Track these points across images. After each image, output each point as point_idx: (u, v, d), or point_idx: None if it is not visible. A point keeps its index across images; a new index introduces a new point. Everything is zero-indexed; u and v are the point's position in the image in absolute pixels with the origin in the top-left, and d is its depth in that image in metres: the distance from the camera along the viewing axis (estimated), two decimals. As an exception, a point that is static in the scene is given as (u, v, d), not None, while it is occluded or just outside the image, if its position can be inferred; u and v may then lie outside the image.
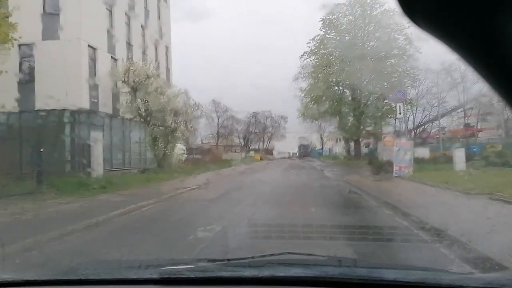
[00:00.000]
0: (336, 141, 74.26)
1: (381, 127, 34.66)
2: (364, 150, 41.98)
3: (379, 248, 5.63)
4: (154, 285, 1.87)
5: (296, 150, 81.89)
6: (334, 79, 34.83)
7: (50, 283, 1.95)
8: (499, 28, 0.60)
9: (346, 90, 35.66)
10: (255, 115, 78.38)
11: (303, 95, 36.76)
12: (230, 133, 77.60)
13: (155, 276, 1.90)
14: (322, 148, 70.73)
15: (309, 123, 53.53)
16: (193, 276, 1.92)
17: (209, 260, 2.28)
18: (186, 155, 45.14)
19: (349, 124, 35.34)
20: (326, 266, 2.10)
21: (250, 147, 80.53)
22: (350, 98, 35.09)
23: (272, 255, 2.26)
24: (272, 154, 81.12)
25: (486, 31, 0.60)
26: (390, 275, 1.90)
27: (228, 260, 2.22)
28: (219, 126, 76.18)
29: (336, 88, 35.84)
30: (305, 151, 76.37)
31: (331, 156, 57.28)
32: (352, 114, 34.88)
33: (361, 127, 34.65)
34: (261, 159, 66.63)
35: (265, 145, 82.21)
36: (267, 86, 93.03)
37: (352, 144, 38.84)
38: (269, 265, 2.01)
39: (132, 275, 2.00)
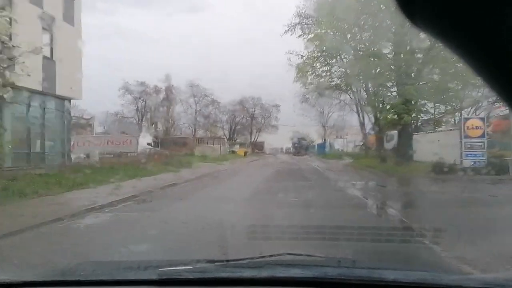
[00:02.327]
0: (337, 136, 57.29)
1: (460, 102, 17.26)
2: (387, 144, 24.82)
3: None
4: (153, 286, 1.76)
5: (290, 145, 64.72)
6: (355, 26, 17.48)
7: (49, 284, 1.85)
8: (499, 27, 0.56)
9: (382, 41, 18.21)
10: (242, 102, 61.33)
11: (305, 42, 19.24)
12: (213, 123, 61.08)
13: (153, 277, 1.78)
14: (324, 143, 52.99)
15: (310, 104, 36.19)
16: (191, 277, 1.81)
17: (208, 261, 2.07)
18: (152, 148, 34.87)
19: (389, 96, 18.08)
20: (325, 266, 1.98)
21: (236, 140, 63.63)
22: (392, 53, 17.68)
23: (271, 256, 2.07)
24: (261, 149, 64.04)
25: (486, 30, 0.57)
26: (389, 275, 1.78)
27: (227, 261, 2.07)
28: (197, 113, 59.55)
29: (362, 36, 18.47)
30: (300, 147, 59.07)
31: (339, 154, 39.56)
32: (395, 80, 17.64)
33: (417, 102, 17.28)
34: (245, 155, 49.61)
35: (253, 138, 65.07)
36: (258, 74, 75.14)
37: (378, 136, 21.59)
38: (268, 265, 1.89)
39: (131, 276, 1.90)
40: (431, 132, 21.86)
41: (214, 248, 4.22)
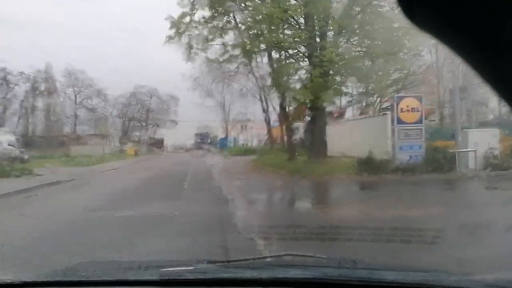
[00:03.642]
0: (242, 129, 52.72)
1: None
2: (297, 136, 20.46)
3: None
4: (154, 287, 1.73)
5: (193, 142, 58.48)
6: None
7: (50, 285, 1.78)
8: (500, 27, 0.55)
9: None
10: (135, 94, 53.01)
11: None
12: (100, 118, 51.84)
13: (155, 277, 1.72)
14: (227, 137, 47.45)
15: (206, 91, 30.45)
16: (192, 277, 1.76)
17: (209, 262, 1.98)
18: (10, 149, 25.99)
19: (300, 69, 13.08)
20: (326, 267, 1.90)
21: (130, 137, 55.14)
22: (302, 9, 12.63)
23: (272, 256, 2.11)
24: (160, 146, 56.50)
25: (487, 30, 0.56)
26: (389, 276, 1.74)
27: (228, 261, 2.01)
28: (77, 106, 49.81)
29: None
30: (203, 143, 53.36)
31: (243, 149, 34.34)
32: (307, 48, 12.70)
33: (336, 75, 12.48)
34: (136, 154, 41.84)
35: (150, 135, 57.18)
36: (155, 65, 66.77)
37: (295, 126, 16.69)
38: (269, 266, 1.88)
39: (132, 276, 1.83)
40: (357, 119, 18.08)
41: None
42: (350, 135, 17.21)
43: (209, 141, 53.93)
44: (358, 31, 12.73)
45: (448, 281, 1.70)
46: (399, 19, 14.02)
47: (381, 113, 16.89)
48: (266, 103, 20.75)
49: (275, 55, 14.42)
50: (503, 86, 0.61)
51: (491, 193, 8.87)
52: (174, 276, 1.73)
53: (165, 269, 1.78)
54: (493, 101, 30.39)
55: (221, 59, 14.99)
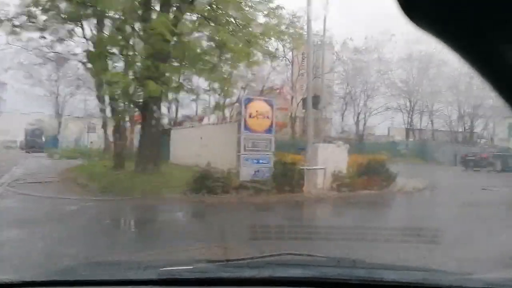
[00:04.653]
0: (90, 127, 45.27)
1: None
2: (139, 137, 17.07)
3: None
4: (153, 286, 1.65)
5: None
6: None
7: (49, 284, 1.71)
8: (501, 27, 0.55)
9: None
10: None
11: None
12: None
13: (153, 276, 1.67)
14: (60, 136, 39.29)
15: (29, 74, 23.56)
16: (192, 276, 1.70)
17: (208, 261, 2.03)
18: None
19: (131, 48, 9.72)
20: (325, 266, 1.88)
21: None
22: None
23: (271, 255, 2.02)
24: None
25: (487, 30, 0.56)
26: (389, 275, 1.71)
27: (227, 260, 1.96)
28: None
29: None
30: (35, 140, 43.76)
31: (79, 151, 28.21)
32: (139, 21, 9.51)
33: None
34: None
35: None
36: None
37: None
38: (268, 265, 1.84)
39: (131, 275, 1.77)
40: (208, 125, 16.65)
41: None
42: (200, 142, 15.08)
43: (43, 138, 44.46)
44: (206, 12, 10.14)
45: (447, 281, 1.67)
46: (255, 13, 12.23)
47: (233, 120, 15.24)
48: (102, 96, 16.44)
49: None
50: (503, 85, 0.60)
51: (335, 221, 7.49)
52: (173, 275, 1.69)
53: (164, 269, 1.75)
54: (336, 118, 32.60)
55: (18, 22, 10.42)
